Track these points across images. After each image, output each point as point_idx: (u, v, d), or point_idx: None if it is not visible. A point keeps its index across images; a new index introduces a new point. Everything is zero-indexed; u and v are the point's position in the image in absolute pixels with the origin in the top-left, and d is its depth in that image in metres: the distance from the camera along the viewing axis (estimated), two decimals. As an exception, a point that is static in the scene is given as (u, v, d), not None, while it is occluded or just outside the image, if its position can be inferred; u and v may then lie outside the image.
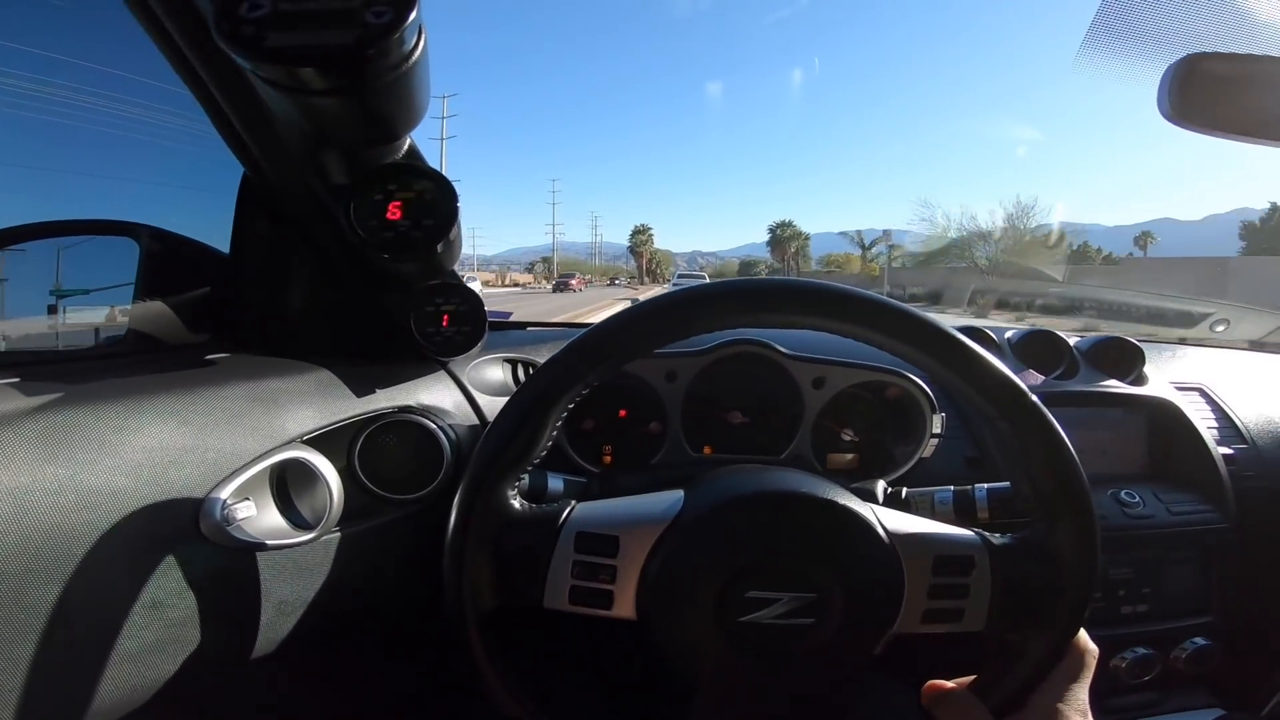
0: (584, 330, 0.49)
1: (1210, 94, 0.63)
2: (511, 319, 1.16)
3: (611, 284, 57.70)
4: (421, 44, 0.41)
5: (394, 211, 0.56)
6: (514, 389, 0.85)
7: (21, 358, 0.64)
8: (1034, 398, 0.48)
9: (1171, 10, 0.70)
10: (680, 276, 31.51)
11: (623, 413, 0.87)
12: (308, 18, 0.37)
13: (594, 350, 0.49)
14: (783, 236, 64.00)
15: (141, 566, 0.46)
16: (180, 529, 0.48)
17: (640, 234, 75.12)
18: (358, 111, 0.44)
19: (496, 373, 0.85)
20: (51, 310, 0.69)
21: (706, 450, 0.86)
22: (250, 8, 0.37)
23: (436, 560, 0.61)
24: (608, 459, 0.86)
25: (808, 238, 64.44)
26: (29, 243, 0.71)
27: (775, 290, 0.48)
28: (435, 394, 0.74)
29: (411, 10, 0.38)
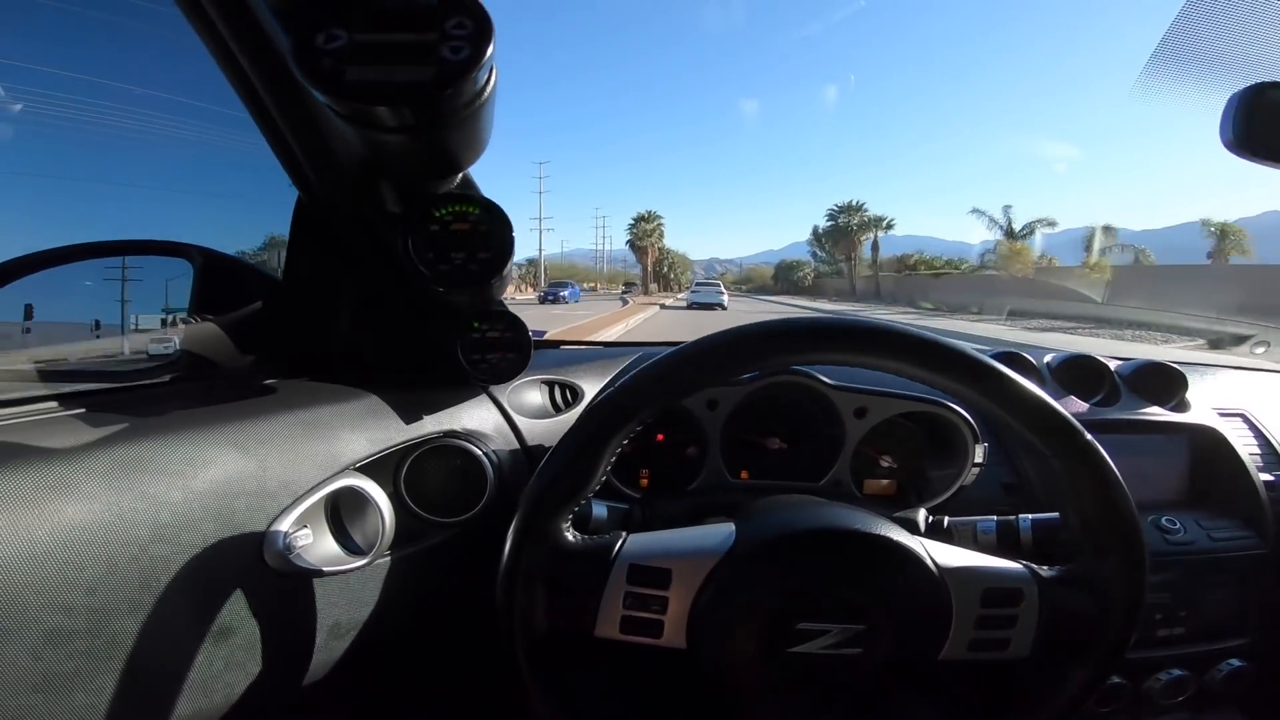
0: (644, 365, 0.50)
1: (1276, 124, 0.61)
2: (546, 337, 1.16)
3: (547, 298, 28.81)
4: (492, 82, 0.40)
5: (451, 243, 0.56)
6: (552, 412, 0.86)
7: (82, 379, 0.65)
8: (1088, 436, 0.49)
9: (1239, 38, 0.69)
10: (699, 285, 30.24)
11: (660, 437, 0.87)
12: (384, 50, 0.37)
13: (650, 388, 0.49)
14: (848, 226, 43.71)
15: (211, 597, 0.47)
16: (246, 559, 0.49)
17: (645, 222, 53.46)
18: (425, 147, 0.44)
19: (535, 396, 0.86)
20: (108, 331, 0.71)
21: (743, 475, 0.86)
22: (327, 39, 0.36)
23: (482, 582, 0.61)
24: (644, 482, 0.86)
25: (889, 224, 43.80)
26: (85, 262, 0.73)
27: (851, 331, 0.49)
28: (477, 418, 0.75)
29: (488, 47, 0.37)
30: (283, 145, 0.60)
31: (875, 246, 44.36)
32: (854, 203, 45.92)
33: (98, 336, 0.72)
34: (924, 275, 37.76)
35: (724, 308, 22.33)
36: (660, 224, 55.61)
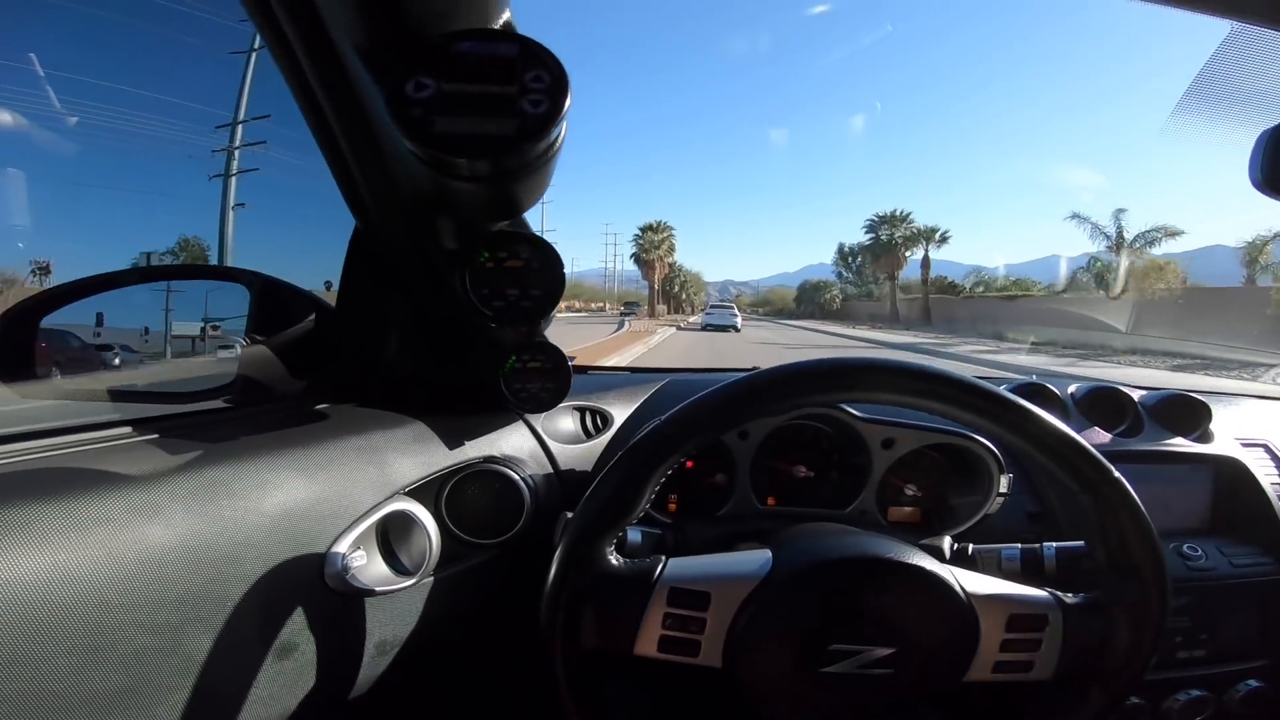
0: (692, 400, 0.52)
1: None
2: (574, 363, 1.18)
3: None
4: (563, 134, 0.42)
5: (504, 280, 0.58)
6: (583, 437, 0.88)
7: (146, 400, 0.68)
8: (1115, 473, 0.51)
9: (1273, 77, 0.69)
10: (712, 308, 28.93)
11: (689, 464, 0.89)
12: (469, 102, 0.38)
13: (698, 422, 0.52)
14: (890, 240, 36.39)
15: (277, 615, 0.49)
16: (308, 579, 0.52)
17: (654, 232, 45.65)
18: (494, 193, 0.47)
19: (567, 422, 0.88)
20: (172, 353, 0.74)
21: (770, 501, 0.87)
22: (416, 88, 0.38)
23: (517, 601, 0.63)
24: (672, 506, 0.88)
25: (943, 236, 35.25)
26: (147, 284, 0.76)
27: (884, 369, 0.52)
28: (514, 443, 0.78)
29: (565, 101, 0.39)
30: (346, 177, 0.62)
31: (926, 264, 35.10)
32: (898, 213, 36.88)
33: (140, 357, 0.75)
34: (991, 298, 30.17)
35: (737, 329, 22.91)
36: (670, 235, 46.62)
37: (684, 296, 54.32)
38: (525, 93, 0.39)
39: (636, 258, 47.26)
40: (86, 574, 0.38)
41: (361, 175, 0.60)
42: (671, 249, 47.23)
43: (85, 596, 0.38)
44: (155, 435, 0.54)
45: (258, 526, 0.48)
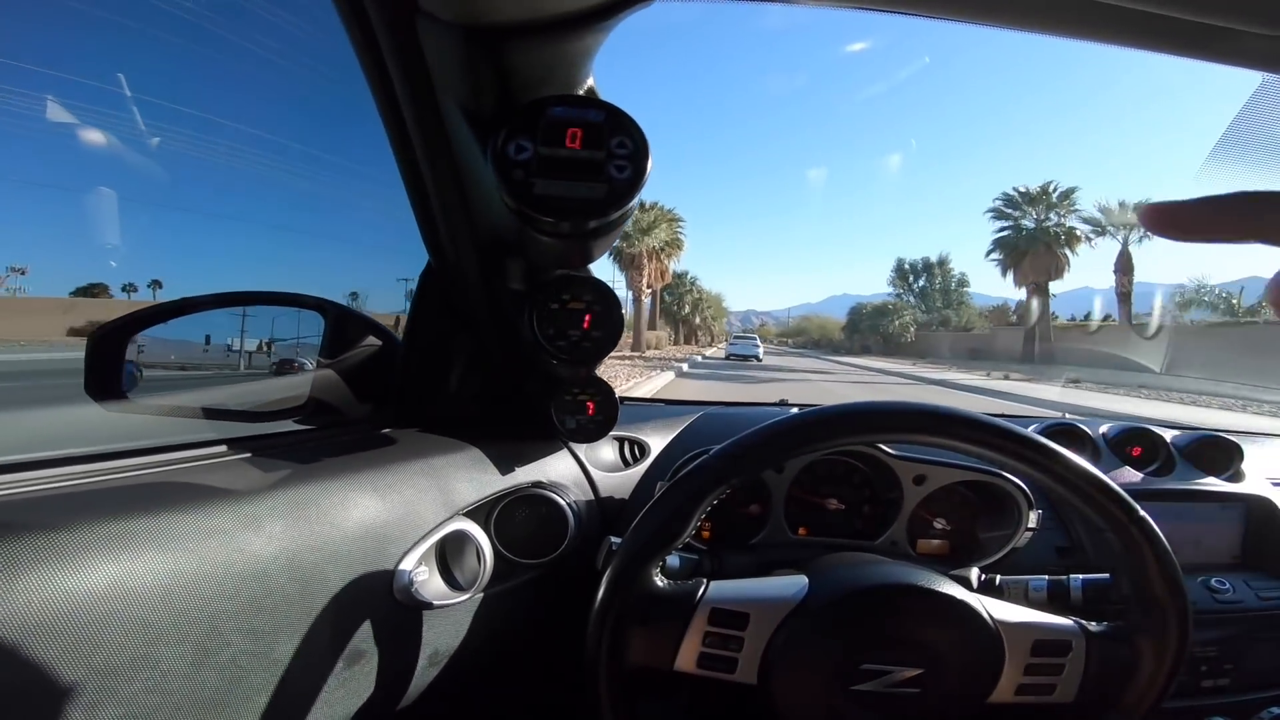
0: (742, 436, 0.56)
1: None
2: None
3: None
4: (638, 195, 0.45)
5: (568, 322, 0.62)
6: (622, 466, 0.92)
7: (231, 418, 0.74)
8: (1141, 511, 0.54)
9: None
10: (736, 338, 27.32)
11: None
12: (562, 165, 0.42)
13: (746, 457, 0.56)
14: (1044, 229, 24.49)
15: (351, 624, 0.54)
16: (379, 593, 0.57)
17: (648, 210, 26.86)
18: (571, 247, 0.52)
19: (608, 452, 0.93)
20: (256, 374, 0.80)
21: (802, 531, 0.90)
22: (517, 150, 0.42)
23: (557, 619, 0.66)
24: (706, 534, 0.91)
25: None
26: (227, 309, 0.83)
27: (914, 414, 0.55)
28: (559, 470, 0.82)
29: (647, 166, 0.43)
30: (428, 219, 0.66)
31: (1125, 265, 21.01)
32: (1052, 188, 23.56)
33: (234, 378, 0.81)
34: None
35: (759, 359, 23.25)
36: (674, 224, 28.64)
37: (698, 321, 41.22)
38: (611, 158, 0.42)
39: (618, 253, 26.56)
40: (203, 581, 0.43)
41: (443, 219, 0.65)
42: (677, 245, 29.34)
43: (201, 601, 0.42)
44: (249, 454, 0.59)
45: (340, 542, 0.53)
